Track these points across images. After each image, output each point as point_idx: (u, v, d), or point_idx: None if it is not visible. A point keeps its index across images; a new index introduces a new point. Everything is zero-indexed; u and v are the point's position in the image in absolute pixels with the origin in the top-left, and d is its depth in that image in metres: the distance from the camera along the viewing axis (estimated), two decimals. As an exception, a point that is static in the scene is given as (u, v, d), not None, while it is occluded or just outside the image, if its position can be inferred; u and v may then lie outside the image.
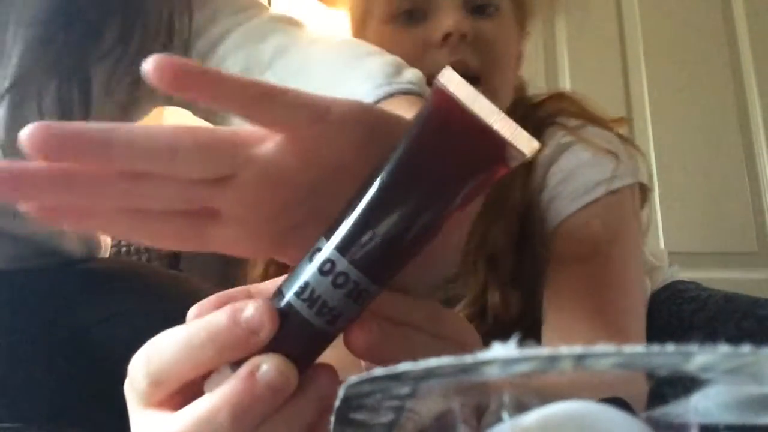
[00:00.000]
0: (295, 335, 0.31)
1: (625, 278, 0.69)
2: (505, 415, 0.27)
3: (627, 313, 0.68)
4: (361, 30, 0.82)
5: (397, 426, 0.28)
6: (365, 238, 0.31)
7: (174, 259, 1.93)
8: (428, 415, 0.29)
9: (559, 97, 0.84)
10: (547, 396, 0.31)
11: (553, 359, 0.18)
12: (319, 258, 0.31)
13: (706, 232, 1.91)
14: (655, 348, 0.17)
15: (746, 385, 0.23)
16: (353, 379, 0.22)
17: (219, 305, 0.33)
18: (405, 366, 0.19)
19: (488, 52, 0.74)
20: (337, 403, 0.25)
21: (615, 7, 2.08)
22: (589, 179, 0.72)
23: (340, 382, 0.25)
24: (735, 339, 0.72)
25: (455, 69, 0.63)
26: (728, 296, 0.88)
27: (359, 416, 0.27)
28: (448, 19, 0.72)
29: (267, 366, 0.29)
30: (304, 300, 0.31)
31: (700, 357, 0.18)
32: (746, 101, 1.97)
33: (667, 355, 0.17)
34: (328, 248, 0.31)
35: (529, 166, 0.76)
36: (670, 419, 0.28)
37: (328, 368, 0.31)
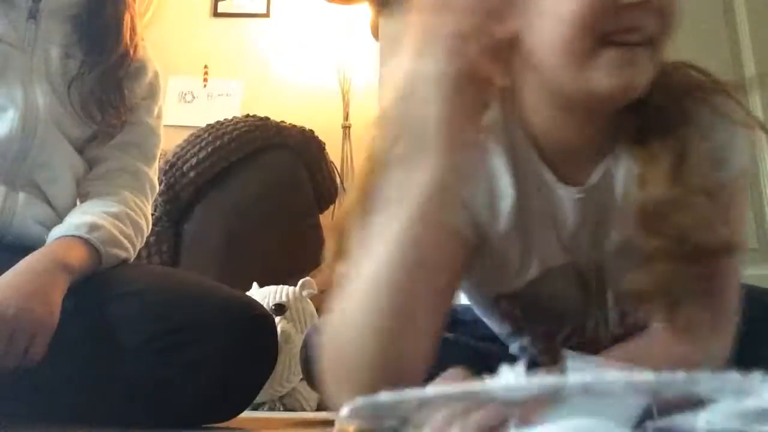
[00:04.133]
0: None
1: (736, 279, 0.67)
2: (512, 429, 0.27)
3: (730, 318, 0.66)
4: None
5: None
6: None
7: (174, 256, 1.94)
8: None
9: (683, 66, 0.76)
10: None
11: (558, 388, 0.17)
12: None
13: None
14: (666, 376, 0.17)
15: (749, 398, 0.23)
16: (359, 401, 0.22)
17: None
18: (410, 393, 0.19)
19: (667, 16, 0.64)
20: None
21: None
22: (734, 164, 0.68)
23: None
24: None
25: (631, 36, 0.60)
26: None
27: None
28: None
29: None
30: None
31: (708, 384, 0.17)
32: (746, 100, 1.97)
33: (678, 384, 0.17)
34: None
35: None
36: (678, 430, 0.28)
37: None
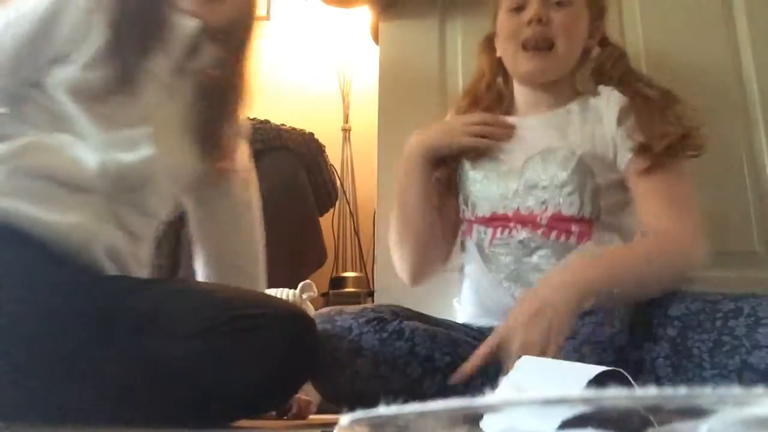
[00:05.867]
0: None
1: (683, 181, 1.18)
2: None
3: (689, 205, 1.19)
4: (493, 12, 1.34)
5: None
6: None
7: (174, 257, 1.94)
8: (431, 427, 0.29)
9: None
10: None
11: (560, 401, 0.17)
12: None
13: (707, 230, 1.90)
14: (668, 391, 0.17)
15: (750, 407, 0.24)
16: (357, 414, 0.22)
17: None
18: (410, 407, 0.19)
19: (558, 30, 1.22)
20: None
21: (616, 6, 2.08)
22: None
23: None
24: (683, 317, 0.96)
25: (536, 39, 1.24)
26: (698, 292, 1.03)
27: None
28: (531, 10, 1.22)
29: None
30: None
31: (711, 397, 0.17)
32: (747, 99, 1.97)
33: (679, 398, 0.17)
34: None
35: None
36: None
37: None
